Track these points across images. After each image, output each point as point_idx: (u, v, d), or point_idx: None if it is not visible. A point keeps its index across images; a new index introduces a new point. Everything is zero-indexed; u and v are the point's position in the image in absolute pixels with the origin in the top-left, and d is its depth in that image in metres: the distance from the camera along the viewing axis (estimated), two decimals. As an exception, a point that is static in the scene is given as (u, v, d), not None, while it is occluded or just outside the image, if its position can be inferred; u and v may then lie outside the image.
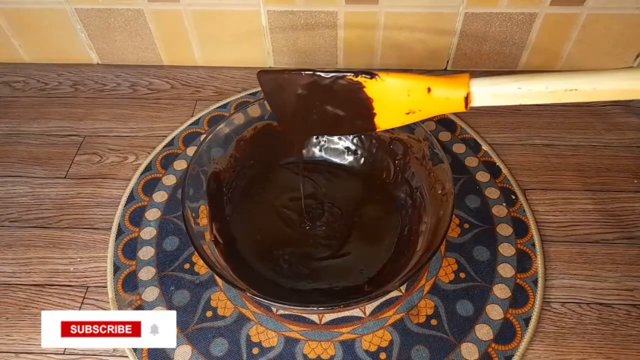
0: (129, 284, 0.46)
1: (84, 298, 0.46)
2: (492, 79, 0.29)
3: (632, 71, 0.26)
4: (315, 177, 0.52)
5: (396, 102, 0.31)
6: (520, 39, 0.61)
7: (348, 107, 0.33)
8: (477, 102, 0.29)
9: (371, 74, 0.31)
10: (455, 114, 0.60)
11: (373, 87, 0.31)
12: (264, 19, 0.60)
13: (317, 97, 0.34)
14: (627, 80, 0.26)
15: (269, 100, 0.37)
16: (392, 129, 0.47)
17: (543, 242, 0.49)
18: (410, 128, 0.47)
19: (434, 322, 0.43)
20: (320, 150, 0.54)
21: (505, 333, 0.43)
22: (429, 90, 0.30)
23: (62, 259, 0.49)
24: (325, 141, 0.53)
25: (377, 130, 0.33)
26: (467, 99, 0.29)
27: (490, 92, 0.29)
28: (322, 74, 0.32)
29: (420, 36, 0.61)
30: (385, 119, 0.32)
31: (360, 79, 0.31)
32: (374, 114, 0.32)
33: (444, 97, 0.30)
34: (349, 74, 0.31)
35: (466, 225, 0.49)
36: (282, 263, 0.46)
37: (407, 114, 0.31)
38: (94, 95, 0.64)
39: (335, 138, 0.53)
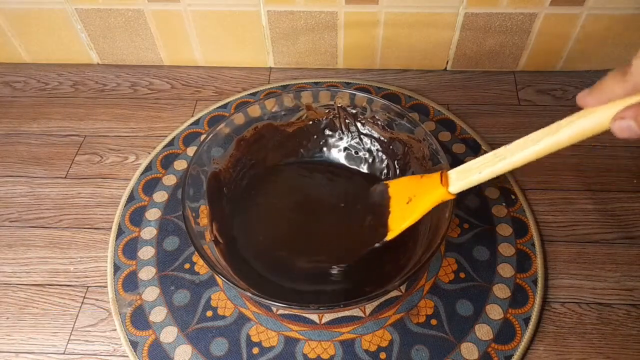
0: (129, 284, 0.46)
1: (84, 298, 0.46)
2: (460, 167, 0.36)
3: (569, 118, 0.28)
4: (315, 177, 0.52)
5: (403, 192, 0.41)
6: (520, 39, 0.61)
7: (374, 208, 0.43)
8: (450, 179, 0.36)
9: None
10: (455, 114, 0.60)
11: (393, 186, 0.43)
12: (264, 19, 0.61)
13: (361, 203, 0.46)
14: (569, 129, 0.28)
15: None
16: (392, 138, 0.47)
17: (543, 242, 0.49)
18: (409, 128, 0.47)
19: (433, 321, 0.43)
20: (320, 151, 0.54)
21: (505, 333, 0.43)
22: (421, 176, 0.40)
23: (62, 258, 0.49)
24: (324, 141, 0.53)
25: (387, 237, 0.40)
26: (442, 175, 0.37)
27: (458, 170, 0.36)
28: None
29: (420, 36, 0.61)
30: (395, 215, 0.41)
31: (387, 182, 0.44)
32: (389, 212, 0.41)
33: (427, 179, 0.38)
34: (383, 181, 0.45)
35: (466, 225, 0.49)
36: (282, 263, 0.46)
37: (407, 202, 0.40)
38: (94, 95, 0.64)
39: (336, 137, 0.53)
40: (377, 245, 0.41)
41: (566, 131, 0.28)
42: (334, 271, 0.44)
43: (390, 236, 0.40)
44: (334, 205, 0.49)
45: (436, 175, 0.37)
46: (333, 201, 0.50)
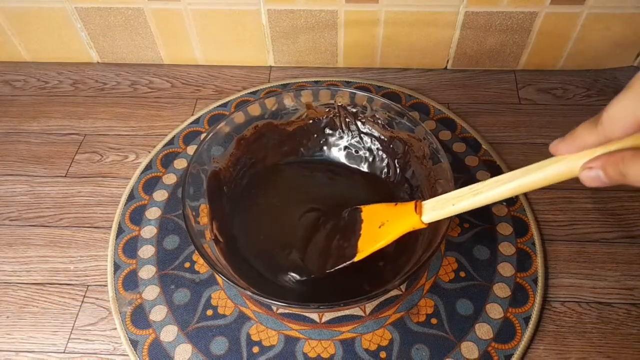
0: (130, 283, 0.46)
1: (84, 297, 0.46)
2: (436, 198, 0.37)
3: (542, 164, 0.29)
4: (315, 176, 0.52)
5: (376, 216, 0.42)
6: (520, 38, 0.61)
7: (346, 229, 0.44)
8: (424, 209, 0.37)
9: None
10: (456, 113, 0.60)
11: (366, 211, 0.43)
12: (264, 17, 0.60)
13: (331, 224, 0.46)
14: (538, 175, 0.29)
15: None
16: (392, 137, 0.47)
17: (543, 241, 0.49)
18: (410, 127, 0.47)
19: (434, 321, 0.43)
20: (320, 150, 0.54)
21: (505, 332, 0.43)
22: (395, 204, 0.41)
23: (62, 257, 0.49)
24: (324, 140, 0.53)
25: (356, 258, 0.41)
26: (416, 204, 0.38)
27: (434, 200, 0.37)
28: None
29: (420, 35, 0.61)
30: (365, 238, 0.42)
31: (361, 206, 0.44)
32: (360, 235, 0.42)
33: (401, 206, 0.40)
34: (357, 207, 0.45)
35: (466, 225, 0.49)
36: (282, 262, 0.46)
37: (380, 227, 0.41)
38: (94, 94, 0.64)
39: (337, 136, 0.53)
40: (344, 265, 0.42)
41: (537, 175, 0.29)
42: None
43: (358, 257, 0.41)
44: (332, 207, 0.49)
45: (411, 204, 0.38)
46: (332, 202, 0.49)
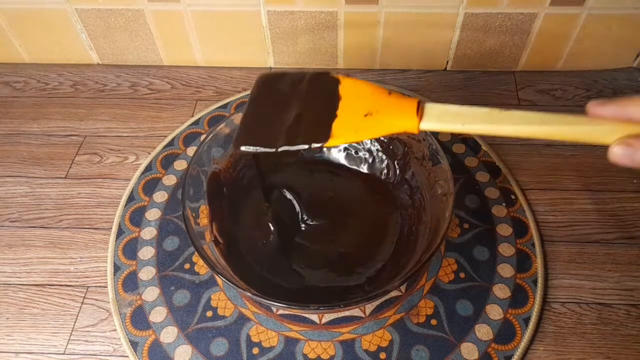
0: (129, 284, 0.46)
1: (84, 298, 0.46)
2: (445, 106, 0.31)
3: (568, 116, 0.27)
4: (315, 177, 0.52)
5: (360, 100, 0.34)
6: (520, 39, 0.61)
7: (316, 106, 0.35)
8: (426, 114, 0.31)
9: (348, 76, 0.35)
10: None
11: (346, 85, 0.34)
12: (264, 19, 0.61)
13: (294, 95, 0.36)
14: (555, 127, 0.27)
15: (252, 102, 0.39)
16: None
17: (543, 242, 0.49)
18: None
19: (433, 322, 0.43)
20: (320, 150, 0.54)
21: (505, 333, 0.43)
22: (389, 92, 0.33)
23: (62, 258, 0.49)
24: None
25: (327, 143, 0.33)
26: (419, 106, 0.31)
27: (441, 107, 0.31)
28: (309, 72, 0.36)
29: (420, 36, 0.61)
30: (343, 121, 0.33)
31: (339, 76, 0.35)
32: (335, 116, 0.34)
33: (400, 99, 0.32)
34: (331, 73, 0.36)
35: (466, 225, 0.49)
36: (282, 263, 0.46)
37: (365, 115, 0.33)
38: (94, 96, 0.64)
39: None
40: (312, 146, 0.34)
41: (568, 128, 0.26)
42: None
43: (331, 143, 0.33)
44: (333, 205, 0.49)
45: (413, 101, 0.32)
46: (332, 201, 0.49)
